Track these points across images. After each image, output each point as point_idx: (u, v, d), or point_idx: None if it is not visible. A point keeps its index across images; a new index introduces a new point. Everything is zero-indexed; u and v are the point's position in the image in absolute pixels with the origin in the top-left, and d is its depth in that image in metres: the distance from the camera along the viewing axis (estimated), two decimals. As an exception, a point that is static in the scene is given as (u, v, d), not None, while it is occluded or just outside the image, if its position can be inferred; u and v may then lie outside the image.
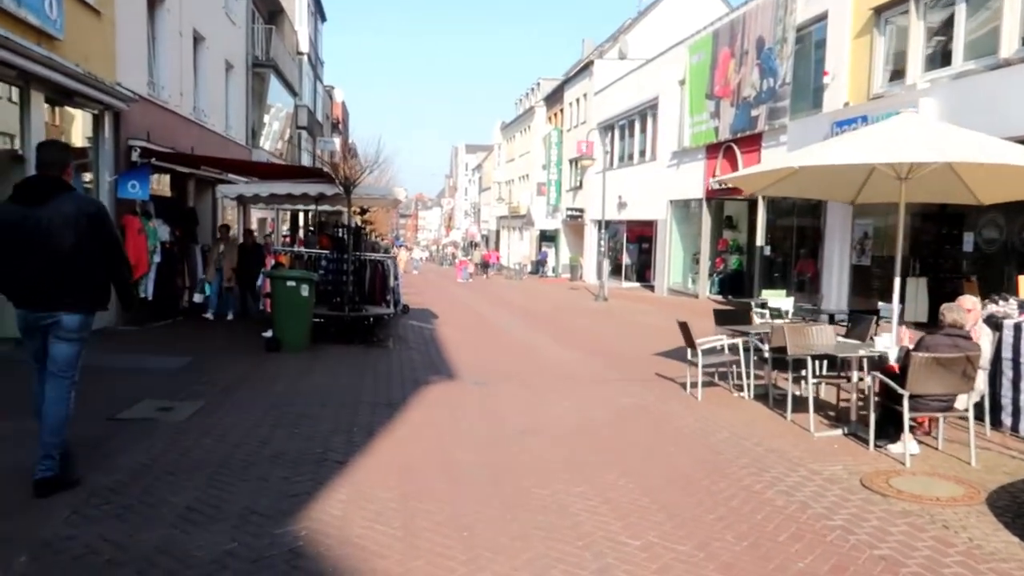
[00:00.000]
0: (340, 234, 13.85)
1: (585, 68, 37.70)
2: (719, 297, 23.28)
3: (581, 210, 37.12)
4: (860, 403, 7.04)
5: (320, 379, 8.84)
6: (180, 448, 5.71)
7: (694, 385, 8.84)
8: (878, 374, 6.31)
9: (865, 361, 7.06)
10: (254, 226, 25.90)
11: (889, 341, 6.92)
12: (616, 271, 33.28)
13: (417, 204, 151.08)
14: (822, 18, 16.92)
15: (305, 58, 32.89)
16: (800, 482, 5.47)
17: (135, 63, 13.26)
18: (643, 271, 31.94)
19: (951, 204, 14.60)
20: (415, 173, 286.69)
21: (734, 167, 20.72)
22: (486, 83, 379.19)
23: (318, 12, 36.91)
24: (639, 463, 5.91)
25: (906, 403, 5.86)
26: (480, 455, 5.98)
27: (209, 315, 13.81)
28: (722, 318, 10.11)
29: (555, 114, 44.18)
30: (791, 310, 12.58)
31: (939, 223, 14.32)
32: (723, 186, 21.08)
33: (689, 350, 8.86)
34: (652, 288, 28.27)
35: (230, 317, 13.77)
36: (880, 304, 11.38)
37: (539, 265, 43.13)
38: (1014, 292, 8.36)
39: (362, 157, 12.77)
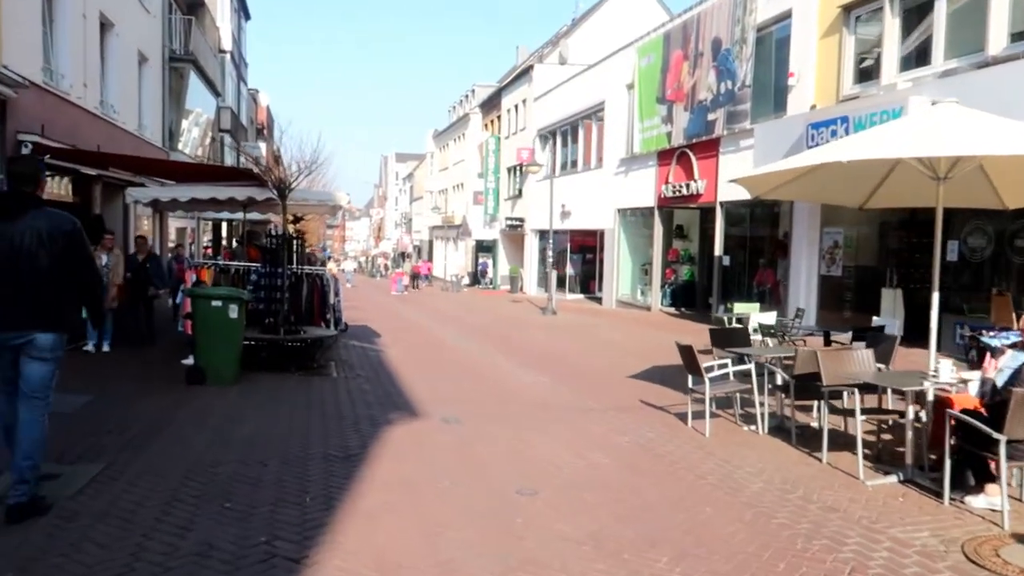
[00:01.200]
0: (272, 244, 12.28)
1: (524, 73, 36.67)
2: (671, 309, 22.44)
3: (521, 219, 35.98)
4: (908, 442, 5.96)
5: (256, 422, 7.26)
6: (62, 546, 4.10)
7: (696, 416, 7.66)
8: (959, 414, 5.20)
9: (929, 393, 5.96)
10: (172, 236, 23.78)
11: (949, 370, 5.84)
12: (560, 283, 32.15)
13: (344, 214, 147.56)
14: (785, 17, 16.21)
15: (228, 57, 30.78)
16: (892, 558, 4.29)
17: (26, 44, 11.36)
18: (587, 282, 31.00)
19: (922, 209, 14.12)
20: (343, 183, 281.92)
21: (689, 174, 19.89)
22: (415, 91, 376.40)
23: (242, 9, 34.78)
24: (682, 535, 4.63)
25: (1003, 450, 4.77)
26: (477, 532, 4.59)
27: (89, 346, 11.08)
28: (720, 339, 8.93)
29: (492, 121, 43.01)
30: (778, 327, 11.61)
31: (914, 230, 13.67)
32: (677, 193, 20.26)
33: (691, 376, 7.68)
34: (599, 300, 27.28)
35: (106, 349, 11.19)
36: (875, 319, 10.47)
37: (480, 276, 41.77)
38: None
39: (292, 162, 11.14)
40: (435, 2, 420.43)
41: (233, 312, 8.98)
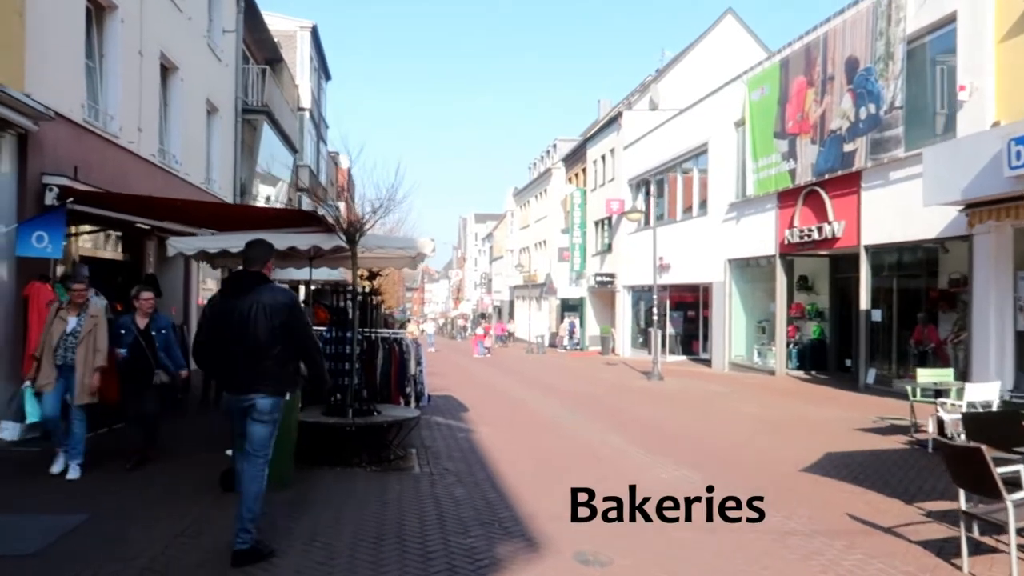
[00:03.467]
0: (342, 303, 10.17)
1: (612, 122, 34.61)
2: (799, 373, 19.33)
3: (611, 275, 33.44)
4: None
5: (300, 565, 4.89)
6: None
7: (974, 551, 4.90)
8: None
9: None
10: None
11: None
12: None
13: (423, 277, 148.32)
14: (947, 23, 13.52)
15: (307, 115, 29.84)
16: None
17: (61, 76, 9.75)
18: (689, 343, 28.04)
19: None
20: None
21: (821, 215, 17.07)
22: (493, 152, 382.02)
23: (322, 69, 34.12)
24: None
25: None
26: None
27: (56, 467, 7.16)
28: (984, 429, 6.10)
29: (576, 174, 41.02)
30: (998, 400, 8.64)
31: None
32: (806, 238, 17.43)
33: (963, 494, 4.92)
34: (706, 362, 24.28)
35: (72, 475, 6.97)
36: None
37: (569, 337, 39.17)
38: None
39: (365, 202, 9.03)
40: (510, 63, 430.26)
41: (284, 392, 6.73)
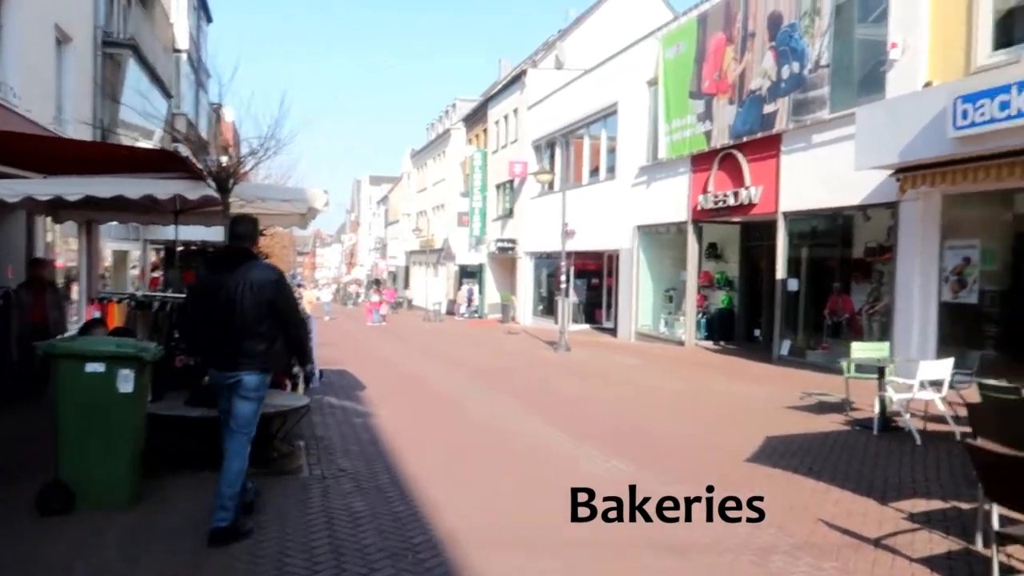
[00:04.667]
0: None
1: (515, 80, 33.24)
2: (708, 343, 18.86)
3: (513, 241, 32.35)
4: None
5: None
6: None
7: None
8: None
9: None
10: (107, 263, 19.73)
11: None
12: (554, 310, 28.55)
13: (315, 241, 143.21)
14: (878, -23, 12.88)
15: (184, 57, 26.89)
16: None
17: None
18: (592, 311, 27.38)
19: None
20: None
21: (737, 180, 16.41)
22: (389, 113, 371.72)
23: (202, 7, 30.96)
24: None
25: None
26: None
27: None
28: (997, 423, 5.21)
29: (477, 135, 39.50)
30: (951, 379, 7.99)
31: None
32: (720, 204, 16.79)
33: (997, 511, 3.99)
34: (611, 331, 23.64)
35: None
36: None
37: (468, 304, 37.89)
38: None
39: (242, 142, 7.36)
40: (406, 20, 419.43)
41: (125, 383, 5.13)
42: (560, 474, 6.67)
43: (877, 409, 8.28)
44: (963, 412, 8.33)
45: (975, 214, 11.62)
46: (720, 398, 11.23)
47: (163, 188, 7.54)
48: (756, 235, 18.50)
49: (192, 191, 7.13)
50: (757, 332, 18.34)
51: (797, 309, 15.50)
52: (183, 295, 8.86)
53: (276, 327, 4.82)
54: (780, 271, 15.24)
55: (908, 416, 8.16)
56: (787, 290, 15.20)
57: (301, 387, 8.46)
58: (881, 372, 8.53)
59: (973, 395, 8.60)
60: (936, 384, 7.99)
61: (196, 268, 9.37)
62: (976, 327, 11.35)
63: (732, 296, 19.45)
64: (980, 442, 4.15)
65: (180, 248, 13.26)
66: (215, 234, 12.63)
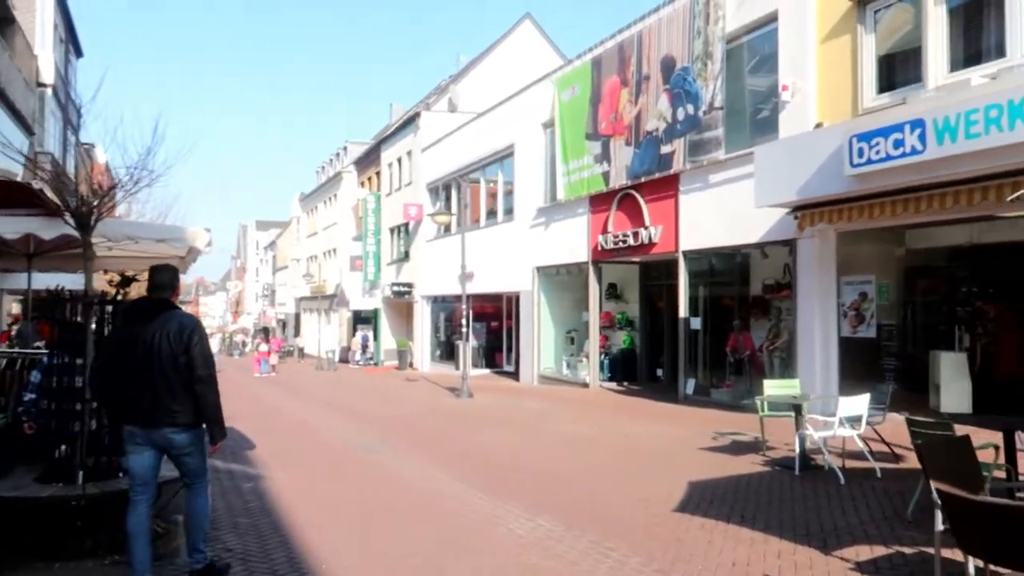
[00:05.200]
0: (76, 315, 7.42)
1: (409, 123, 32.82)
2: (612, 384, 18.67)
3: (409, 285, 31.56)
4: None
5: None
6: None
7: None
8: None
9: None
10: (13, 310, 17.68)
11: None
12: (456, 355, 27.90)
13: (198, 289, 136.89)
14: (768, 22, 13.24)
15: (49, 92, 24.93)
16: None
17: None
18: (492, 355, 26.87)
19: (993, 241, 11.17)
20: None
21: (637, 220, 16.43)
22: (277, 157, 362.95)
23: (71, 41, 28.98)
24: None
25: None
26: None
27: None
28: (944, 463, 4.95)
29: (369, 178, 38.71)
30: (868, 415, 7.90)
31: (983, 270, 10.67)
32: (621, 244, 16.75)
33: (973, 564, 3.67)
34: (513, 376, 23.16)
35: None
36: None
37: (363, 351, 36.56)
38: None
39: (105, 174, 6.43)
40: (294, 66, 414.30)
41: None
42: (484, 539, 6.02)
43: (798, 448, 8.08)
44: (880, 448, 8.29)
45: (869, 250, 11.93)
46: (635, 442, 10.86)
47: (11, 226, 6.52)
48: (655, 274, 18.59)
49: (47, 230, 6.17)
50: (659, 371, 18.31)
51: (700, 347, 15.52)
52: (38, 350, 7.76)
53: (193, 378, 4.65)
54: (682, 310, 15.23)
55: (828, 455, 8.01)
56: (689, 328, 15.20)
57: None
58: (798, 410, 8.38)
59: (888, 430, 8.61)
60: (854, 420, 7.87)
61: (53, 319, 8.20)
62: (875, 361, 11.56)
63: (633, 336, 19.41)
64: (942, 487, 3.84)
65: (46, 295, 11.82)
66: (78, 281, 11.36)
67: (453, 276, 26.15)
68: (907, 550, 5.36)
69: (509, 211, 23.19)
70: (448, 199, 28.04)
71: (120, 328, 4.85)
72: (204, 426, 4.73)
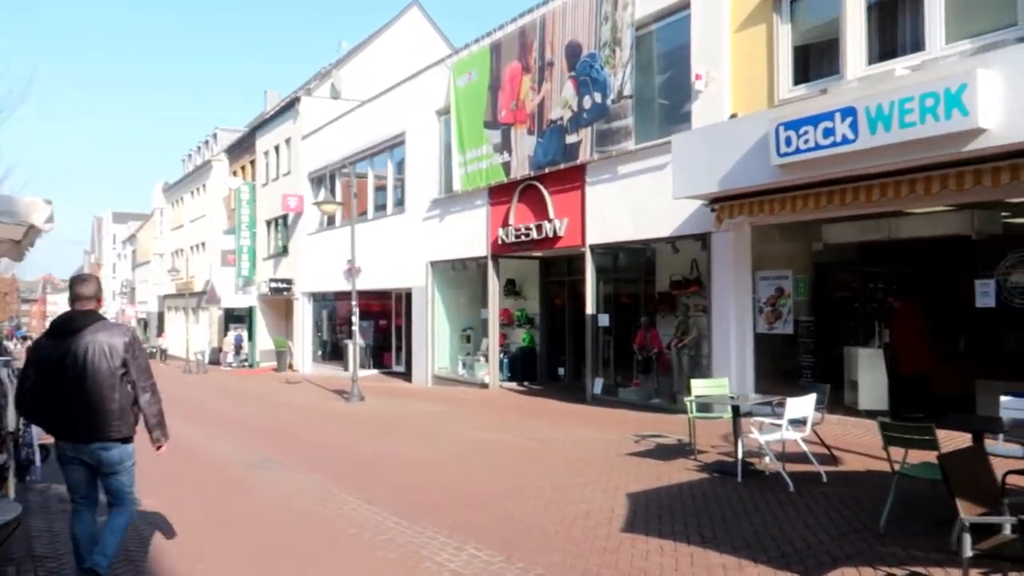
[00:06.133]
0: None
1: (287, 108, 30.77)
2: (512, 384, 17.87)
3: (288, 281, 29.58)
4: None
5: None
6: None
7: None
8: None
9: None
10: None
11: None
12: (341, 355, 26.34)
13: (46, 287, 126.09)
14: (679, 9, 12.79)
15: None
16: None
17: None
18: (380, 355, 25.53)
19: (908, 237, 11.09)
20: (43, 248, 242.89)
21: (540, 212, 15.69)
22: (137, 144, 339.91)
23: None
24: None
25: None
26: None
27: None
28: (969, 479, 4.33)
29: (243, 167, 36.21)
30: (810, 415, 7.41)
31: (899, 264, 10.56)
32: (523, 237, 15.99)
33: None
34: (404, 376, 21.97)
35: None
36: (1005, 399, 6.62)
37: (236, 352, 34.07)
38: None
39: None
40: (160, 48, 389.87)
41: None
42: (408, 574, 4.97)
43: (739, 453, 7.49)
44: (818, 450, 7.82)
45: (785, 244, 11.68)
46: (552, 447, 10.05)
47: None
48: (556, 270, 17.96)
49: None
50: (561, 370, 17.68)
51: (606, 345, 14.97)
52: None
53: (129, 393, 4.57)
54: (589, 306, 14.61)
55: (767, 459, 7.48)
56: (597, 325, 14.59)
57: (11, 482, 5.96)
58: (735, 411, 7.81)
59: (827, 431, 8.19)
60: (798, 422, 7.36)
61: None
62: (792, 357, 11.29)
63: (533, 334, 18.69)
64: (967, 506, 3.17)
65: None
66: None
67: (337, 271, 24.64)
68: (898, 572, 4.77)
69: (400, 203, 21.98)
70: (332, 189, 26.41)
71: (47, 343, 4.57)
72: (131, 444, 4.63)
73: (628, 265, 15.15)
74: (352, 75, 31.86)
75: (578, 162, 14.65)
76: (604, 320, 14.52)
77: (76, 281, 4.76)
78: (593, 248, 14.56)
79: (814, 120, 8.97)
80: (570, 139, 14.90)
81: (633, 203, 13.47)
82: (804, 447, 7.40)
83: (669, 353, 13.98)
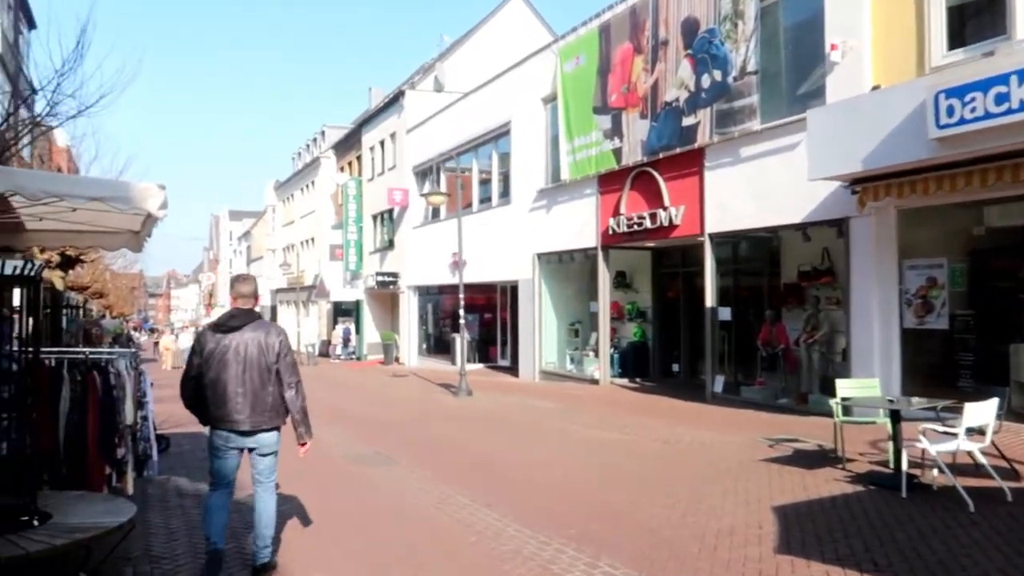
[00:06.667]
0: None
1: (392, 103, 31.01)
2: (624, 380, 17.15)
3: (394, 275, 29.81)
4: None
5: None
6: None
7: None
8: None
9: None
10: None
11: None
12: (446, 349, 26.31)
13: (170, 282, 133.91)
14: (812, -27, 11.75)
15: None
16: None
17: None
18: (485, 348, 25.29)
19: None
20: (167, 247, 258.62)
21: (654, 200, 14.89)
22: (250, 145, 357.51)
23: (19, 8, 26.79)
24: None
25: None
26: None
27: None
28: None
29: (349, 163, 36.85)
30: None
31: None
32: (636, 227, 15.25)
33: None
34: (510, 371, 21.62)
35: None
36: None
37: (344, 345, 34.77)
38: None
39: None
40: (264, 50, 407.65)
41: None
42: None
43: (904, 465, 6.59)
44: (997, 463, 6.81)
45: (939, 229, 10.49)
46: (678, 450, 9.34)
47: None
48: (669, 261, 17.11)
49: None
50: (675, 367, 16.84)
51: (727, 341, 14.05)
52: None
53: (280, 385, 4.93)
54: (709, 299, 13.73)
55: (935, 472, 6.55)
56: (717, 320, 13.70)
57: (129, 476, 5.80)
58: (895, 416, 6.90)
59: (1000, 441, 7.14)
60: (973, 431, 6.39)
61: None
62: (948, 356, 10.11)
63: (645, 328, 17.89)
64: None
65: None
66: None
67: (442, 265, 24.57)
68: None
69: (505, 194, 21.60)
70: (437, 182, 26.32)
71: (211, 336, 4.92)
72: (279, 433, 5.03)
73: (750, 255, 14.19)
74: (455, 68, 31.78)
75: (696, 145, 13.78)
76: (725, 314, 13.61)
77: (237, 280, 5.19)
78: (712, 237, 13.66)
79: (984, 85, 7.89)
80: (687, 121, 14.04)
81: (758, 188, 12.52)
82: (982, 459, 6.42)
83: (797, 350, 12.95)
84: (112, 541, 4.38)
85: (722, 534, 5.72)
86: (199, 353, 4.89)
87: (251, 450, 4.93)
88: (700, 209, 13.83)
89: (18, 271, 4.86)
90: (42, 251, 9.80)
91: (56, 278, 10.93)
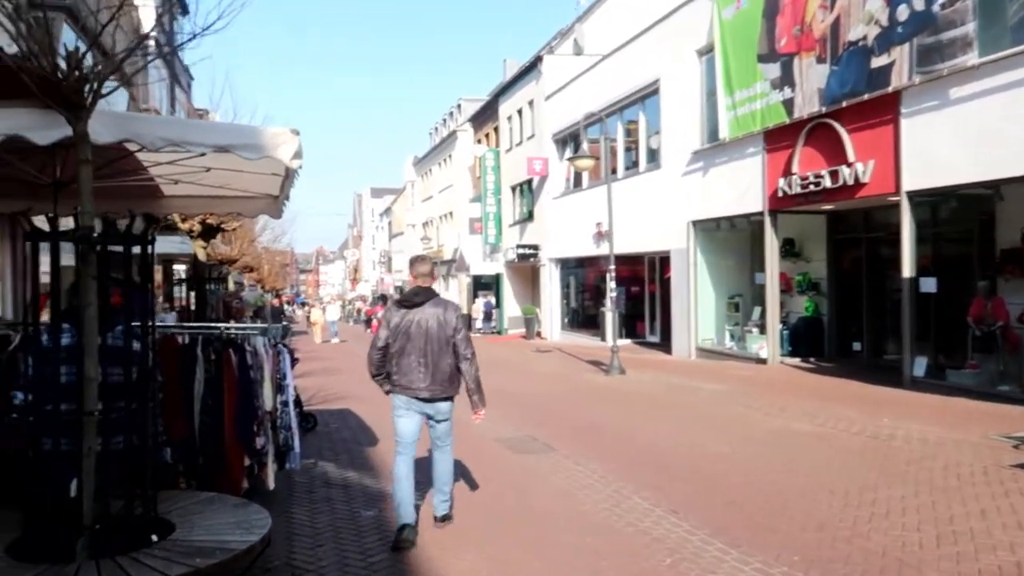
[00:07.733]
0: (134, 273, 5.13)
1: (529, 70, 29.97)
2: (795, 360, 15.42)
3: (535, 247, 28.96)
4: None
5: None
6: None
7: None
8: None
9: None
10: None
11: None
12: (591, 323, 25.24)
13: (319, 258, 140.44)
14: None
15: (152, 45, 23.63)
16: None
17: None
18: (633, 323, 23.96)
19: None
20: (312, 226, 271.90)
21: (835, 156, 13.04)
22: (388, 122, 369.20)
23: (176, -3, 27.73)
24: None
25: None
26: None
27: None
28: None
29: (487, 135, 36.24)
30: None
31: None
32: (813, 187, 13.46)
33: None
34: (661, 347, 20.25)
35: None
36: None
37: (485, 319, 34.48)
38: None
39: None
40: (398, 31, 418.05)
41: None
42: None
43: None
44: None
45: None
46: (892, 447, 7.81)
47: None
48: (848, 226, 15.14)
49: (40, 128, 3.73)
50: (857, 345, 14.92)
51: (928, 316, 12.10)
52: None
53: (455, 357, 5.26)
54: (907, 268, 11.81)
55: None
56: (918, 292, 11.78)
57: (270, 468, 5.11)
58: None
59: None
60: None
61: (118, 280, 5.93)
62: None
63: (818, 302, 16.01)
64: None
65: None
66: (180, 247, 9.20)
67: (585, 235, 23.44)
68: None
69: (653, 158, 20.11)
70: (578, 149, 25.08)
71: (397, 312, 5.28)
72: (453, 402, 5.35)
73: (958, 216, 12.17)
74: (595, 29, 30.20)
75: (890, 89, 11.82)
76: (929, 285, 11.65)
77: (415, 261, 5.56)
78: (912, 195, 11.71)
79: None
80: (877, 62, 12.08)
81: (974, 135, 10.50)
82: None
83: (1019, 328, 10.90)
84: (239, 564, 3.61)
85: (989, 570, 4.31)
86: (386, 326, 5.26)
87: (429, 417, 5.28)
88: (895, 164, 11.89)
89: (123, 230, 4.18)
90: (184, 220, 9.48)
91: (198, 247, 10.80)
